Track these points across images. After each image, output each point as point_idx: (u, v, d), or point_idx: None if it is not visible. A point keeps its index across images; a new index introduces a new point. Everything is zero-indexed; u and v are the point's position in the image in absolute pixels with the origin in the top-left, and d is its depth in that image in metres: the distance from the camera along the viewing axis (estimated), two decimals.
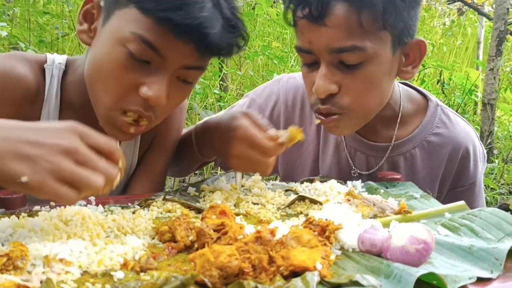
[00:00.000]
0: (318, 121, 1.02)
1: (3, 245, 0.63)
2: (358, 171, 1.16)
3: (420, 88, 1.21)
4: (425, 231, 0.63)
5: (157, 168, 1.11)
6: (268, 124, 0.92)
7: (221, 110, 3.00)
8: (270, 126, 0.92)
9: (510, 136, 4.37)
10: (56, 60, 0.98)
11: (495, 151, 3.83)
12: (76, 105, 0.97)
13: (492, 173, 3.37)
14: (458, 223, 0.78)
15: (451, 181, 1.16)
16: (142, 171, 1.11)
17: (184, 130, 1.17)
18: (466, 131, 1.16)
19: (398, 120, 1.13)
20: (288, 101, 1.23)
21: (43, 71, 0.96)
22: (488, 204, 3.03)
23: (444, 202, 0.95)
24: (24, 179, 0.58)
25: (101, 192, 0.64)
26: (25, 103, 0.93)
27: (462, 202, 0.85)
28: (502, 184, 3.28)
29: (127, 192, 1.09)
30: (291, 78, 1.26)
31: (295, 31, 1.00)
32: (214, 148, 0.98)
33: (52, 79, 0.96)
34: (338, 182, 0.97)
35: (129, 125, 0.88)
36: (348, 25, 0.90)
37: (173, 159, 1.15)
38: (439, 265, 0.63)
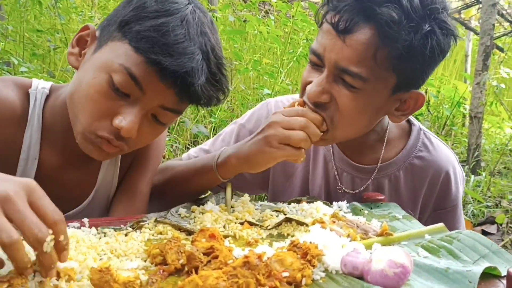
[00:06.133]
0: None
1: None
2: (344, 188, 1.20)
3: None
4: (404, 255, 0.67)
5: (138, 188, 1.11)
6: None
7: (212, 125, 3.03)
8: None
9: (497, 149, 4.44)
10: (40, 85, 1.02)
11: (482, 164, 3.88)
12: (58, 129, 1.01)
13: (479, 186, 3.41)
14: (437, 245, 0.82)
15: (434, 203, 1.20)
16: (123, 192, 1.12)
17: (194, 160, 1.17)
18: (447, 155, 1.20)
19: (384, 144, 1.17)
20: None
21: (27, 95, 1.00)
22: (475, 217, 3.07)
23: (428, 222, 0.98)
24: None
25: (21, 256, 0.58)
26: (11, 125, 0.97)
27: (441, 224, 0.89)
28: (489, 197, 3.33)
29: (109, 214, 1.09)
30: (279, 102, 1.28)
31: (319, 30, 1.03)
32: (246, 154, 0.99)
33: (35, 103, 1.00)
34: (324, 203, 1.00)
35: (103, 144, 0.91)
36: (363, 53, 0.93)
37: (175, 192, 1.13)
38: (417, 287, 0.66)
